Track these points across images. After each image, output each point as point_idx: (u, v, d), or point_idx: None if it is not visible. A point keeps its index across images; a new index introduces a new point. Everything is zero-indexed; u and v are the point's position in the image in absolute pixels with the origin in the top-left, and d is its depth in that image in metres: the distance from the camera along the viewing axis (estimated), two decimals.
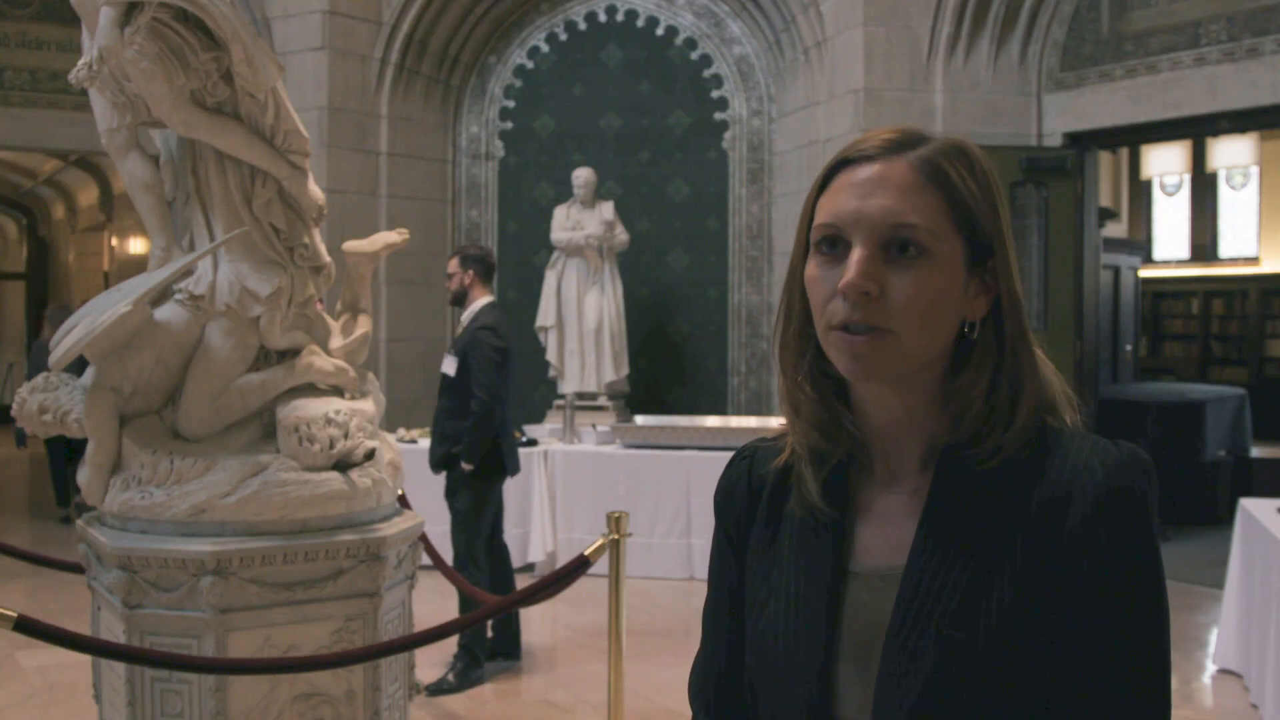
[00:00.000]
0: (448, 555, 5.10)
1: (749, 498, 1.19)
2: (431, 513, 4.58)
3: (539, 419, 8.02)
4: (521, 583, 5.22)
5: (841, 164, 1.07)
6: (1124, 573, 0.99)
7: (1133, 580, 1.00)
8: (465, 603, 4.78)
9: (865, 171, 1.04)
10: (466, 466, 4.85)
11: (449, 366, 5.00)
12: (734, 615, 1.19)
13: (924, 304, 1.01)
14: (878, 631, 1.04)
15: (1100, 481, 1.00)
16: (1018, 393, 1.04)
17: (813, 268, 1.06)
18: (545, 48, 8.61)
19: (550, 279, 7.87)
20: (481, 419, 4.82)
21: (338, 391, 3.01)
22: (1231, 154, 12.99)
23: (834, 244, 1.04)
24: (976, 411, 1.04)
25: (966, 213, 1.04)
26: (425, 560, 3.58)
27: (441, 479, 5.05)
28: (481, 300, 5.09)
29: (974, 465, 1.03)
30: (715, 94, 8.41)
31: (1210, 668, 5.13)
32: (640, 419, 7.47)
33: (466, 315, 5.10)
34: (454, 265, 5.14)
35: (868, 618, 1.06)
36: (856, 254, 1.02)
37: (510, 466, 5.06)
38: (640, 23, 8.48)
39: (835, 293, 1.02)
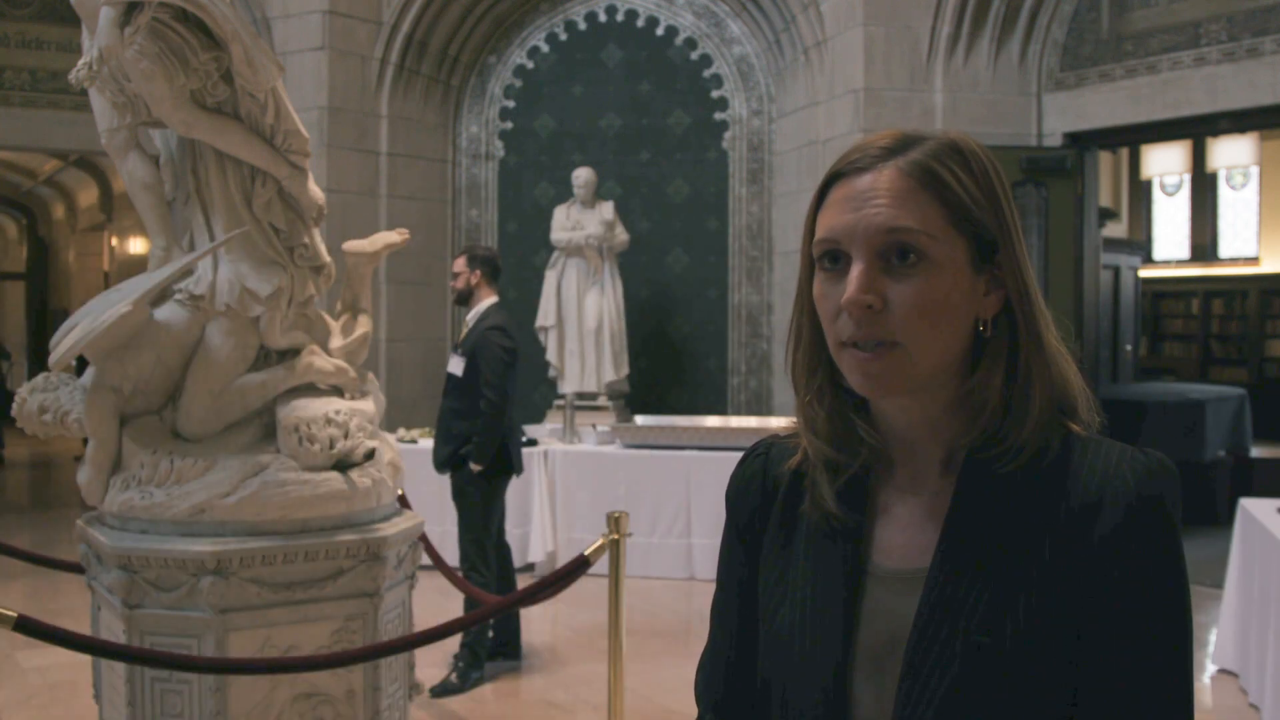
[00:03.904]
0: (448, 555, 5.11)
1: (763, 495, 1.18)
2: (431, 513, 4.59)
3: (539, 419, 8.01)
4: (521, 583, 5.22)
5: (835, 177, 1.06)
6: (1152, 581, 0.99)
7: (1160, 589, 0.99)
8: (471, 602, 4.78)
9: (858, 183, 1.03)
10: (476, 467, 4.85)
11: (456, 367, 4.99)
12: (744, 612, 1.18)
13: (929, 311, 1.00)
14: (897, 635, 1.03)
15: (1131, 489, 0.99)
16: (1029, 389, 1.03)
17: (818, 285, 1.05)
18: (545, 48, 8.61)
19: (550, 279, 7.86)
20: (492, 419, 4.83)
21: (338, 391, 3.01)
22: (1231, 154, 12.99)
23: (836, 259, 1.03)
24: (993, 409, 1.03)
25: (965, 212, 1.02)
26: (425, 560, 3.58)
27: (444, 480, 5.05)
28: (488, 300, 5.08)
29: (997, 467, 1.02)
30: (715, 94, 8.41)
31: (1210, 668, 5.13)
32: (640, 419, 7.47)
33: (472, 315, 5.09)
34: (461, 264, 5.13)
35: (887, 620, 1.05)
36: (855, 268, 1.01)
37: (516, 466, 5.07)
38: (640, 23, 8.48)
39: (841, 309, 1.02)
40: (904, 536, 1.07)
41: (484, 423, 4.82)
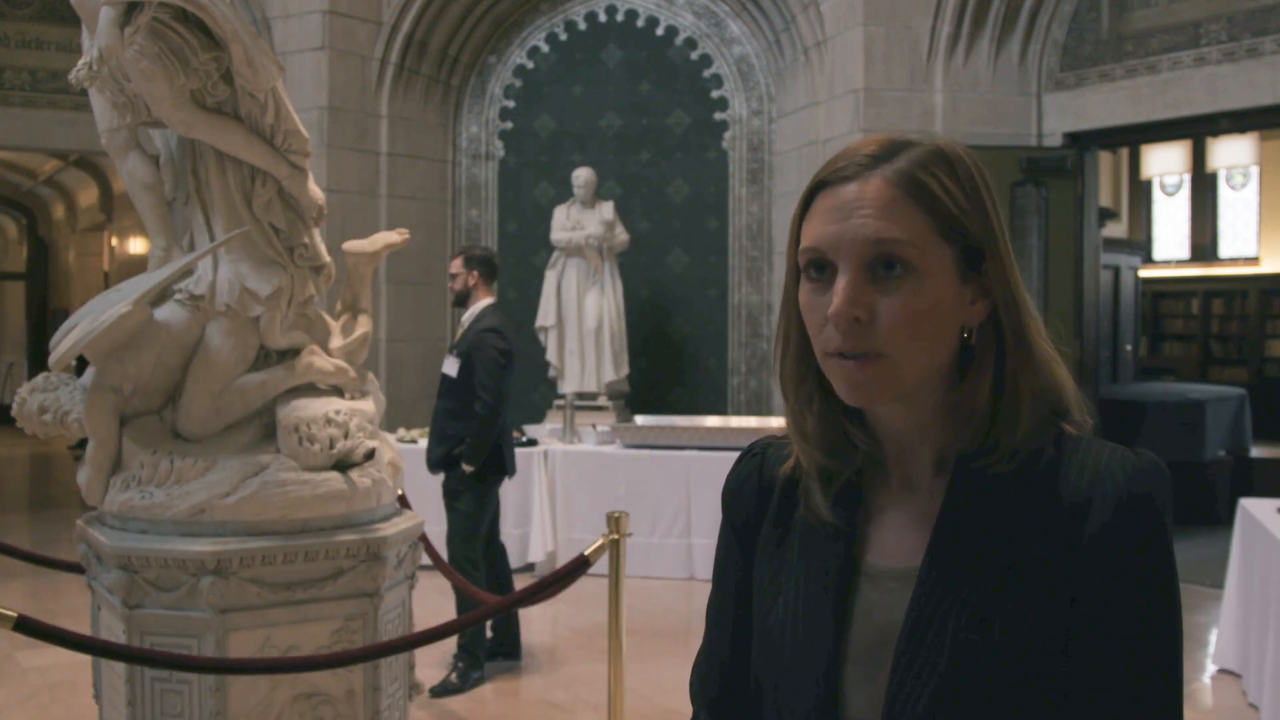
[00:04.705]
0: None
1: (759, 495, 1.18)
2: (431, 513, 4.58)
3: (539, 419, 8.02)
4: (521, 583, 5.22)
5: (820, 186, 1.05)
6: (1141, 580, 0.99)
7: (1149, 588, 0.99)
8: (463, 603, 4.78)
9: (843, 193, 1.02)
10: (468, 468, 4.85)
11: (450, 368, 4.99)
12: (739, 611, 1.18)
13: (915, 322, 1.00)
14: (889, 632, 1.04)
15: (1121, 488, 0.99)
16: (1019, 395, 1.03)
17: (804, 294, 1.05)
18: (545, 48, 8.61)
19: (550, 279, 7.87)
20: (486, 421, 4.82)
21: (338, 391, 3.01)
22: (1231, 154, 12.99)
23: (822, 268, 1.03)
24: (982, 417, 1.04)
25: (952, 221, 1.02)
26: (425, 560, 3.58)
27: (441, 479, 5.05)
28: (484, 301, 5.08)
29: (988, 469, 1.03)
30: (715, 94, 8.41)
31: (1210, 668, 5.14)
32: (640, 419, 7.47)
33: (468, 316, 5.09)
34: (457, 265, 5.13)
35: (879, 619, 1.05)
36: (841, 280, 1.00)
37: (509, 468, 5.06)
38: (640, 23, 8.48)
39: (828, 319, 1.01)
40: (896, 536, 1.08)
41: (478, 424, 4.82)
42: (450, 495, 4.95)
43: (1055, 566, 0.99)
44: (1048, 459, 1.03)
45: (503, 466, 5.01)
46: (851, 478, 1.10)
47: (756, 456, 1.21)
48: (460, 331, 5.13)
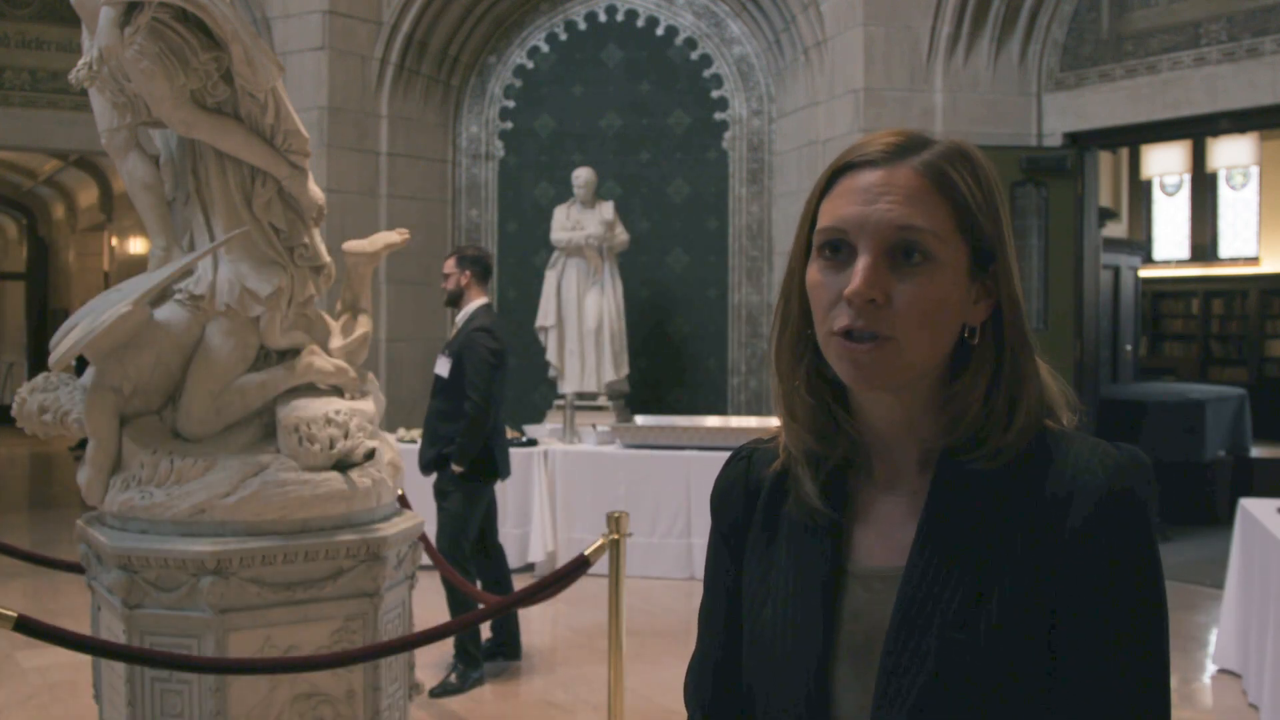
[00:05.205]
0: None
1: (746, 499, 1.19)
2: (431, 513, 4.58)
3: (539, 419, 8.02)
4: (521, 583, 5.22)
5: (845, 168, 1.06)
6: (1124, 574, 1.00)
7: (1133, 581, 1.00)
8: (454, 602, 4.77)
9: (870, 176, 1.03)
10: (457, 468, 4.83)
11: (442, 368, 4.98)
12: (730, 615, 1.19)
13: (928, 311, 1.01)
14: (876, 632, 1.04)
15: (1101, 483, 1.00)
16: (1015, 397, 1.04)
17: (815, 272, 1.05)
18: (545, 48, 8.61)
19: (550, 279, 7.87)
20: (475, 421, 4.80)
21: (338, 391, 3.01)
22: (1231, 154, 12.99)
23: (837, 248, 1.04)
24: (974, 415, 1.05)
25: (971, 218, 1.03)
26: (425, 560, 3.58)
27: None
28: (477, 301, 5.07)
29: (973, 466, 1.04)
30: (715, 94, 8.41)
31: (1210, 668, 5.13)
32: (640, 419, 7.47)
33: (461, 316, 5.08)
34: (450, 265, 5.12)
35: (866, 619, 1.06)
36: (862, 261, 1.01)
37: (502, 470, 5.04)
38: (640, 23, 8.48)
39: (839, 298, 1.02)
40: (883, 535, 1.08)
41: (466, 424, 4.80)
42: (440, 495, 4.94)
43: (1039, 562, 1.00)
44: (1030, 455, 1.04)
45: (494, 468, 4.98)
46: (839, 468, 1.11)
47: (743, 460, 1.22)
48: (453, 331, 5.12)
